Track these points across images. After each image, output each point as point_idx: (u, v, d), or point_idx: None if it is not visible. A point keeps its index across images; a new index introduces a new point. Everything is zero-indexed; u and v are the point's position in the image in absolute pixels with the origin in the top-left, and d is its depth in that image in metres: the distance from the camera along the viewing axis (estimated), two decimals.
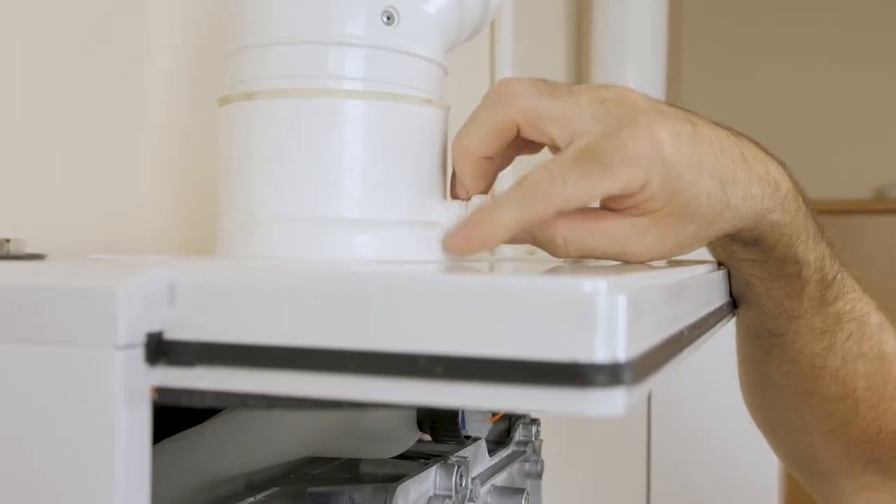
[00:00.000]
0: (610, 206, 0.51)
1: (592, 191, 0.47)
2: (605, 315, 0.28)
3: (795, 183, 0.57)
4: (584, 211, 0.50)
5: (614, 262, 0.51)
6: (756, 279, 0.62)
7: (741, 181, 0.51)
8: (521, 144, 0.52)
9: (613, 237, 0.50)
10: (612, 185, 0.47)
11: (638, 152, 0.47)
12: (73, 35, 0.56)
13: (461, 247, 0.48)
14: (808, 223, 0.58)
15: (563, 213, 0.50)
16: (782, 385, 0.68)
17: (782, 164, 0.56)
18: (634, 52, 1.64)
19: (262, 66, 0.49)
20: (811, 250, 0.59)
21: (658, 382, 0.33)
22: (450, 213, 0.50)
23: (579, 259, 0.52)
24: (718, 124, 0.53)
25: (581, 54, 1.80)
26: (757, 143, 0.55)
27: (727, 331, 0.62)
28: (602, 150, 0.47)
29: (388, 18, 0.49)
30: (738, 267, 0.62)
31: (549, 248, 0.51)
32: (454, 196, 0.53)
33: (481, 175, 0.52)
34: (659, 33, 1.67)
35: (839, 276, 0.62)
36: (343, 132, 0.48)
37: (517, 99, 0.49)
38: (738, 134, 0.54)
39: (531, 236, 0.51)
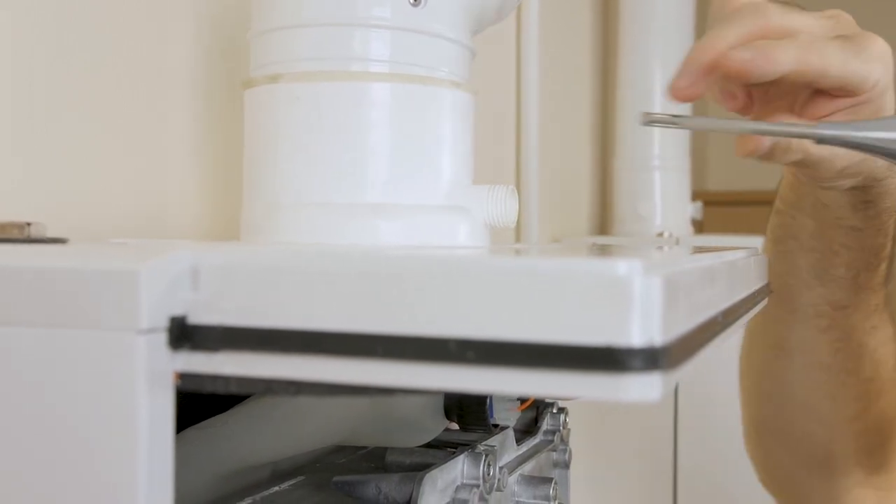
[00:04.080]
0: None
1: (845, 59, 0.50)
2: (642, 298, 0.27)
3: None
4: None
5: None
6: (845, 249, 0.64)
7: None
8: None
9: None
10: (858, 68, 0.50)
11: (881, 55, 0.51)
12: (98, 18, 0.55)
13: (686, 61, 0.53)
14: None
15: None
16: (828, 365, 0.69)
17: None
18: (661, 44, 1.62)
19: (287, 49, 0.48)
20: (892, 227, 0.63)
21: (692, 368, 0.32)
22: (478, 198, 0.49)
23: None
24: None
25: (607, 42, 1.79)
26: None
27: None
28: (858, 39, 0.51)
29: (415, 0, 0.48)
30: (836, 235, 0.64)
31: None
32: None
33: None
34: (686, 25, 1.65)
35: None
36: (369, 115, 0.47)
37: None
38: None
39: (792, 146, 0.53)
